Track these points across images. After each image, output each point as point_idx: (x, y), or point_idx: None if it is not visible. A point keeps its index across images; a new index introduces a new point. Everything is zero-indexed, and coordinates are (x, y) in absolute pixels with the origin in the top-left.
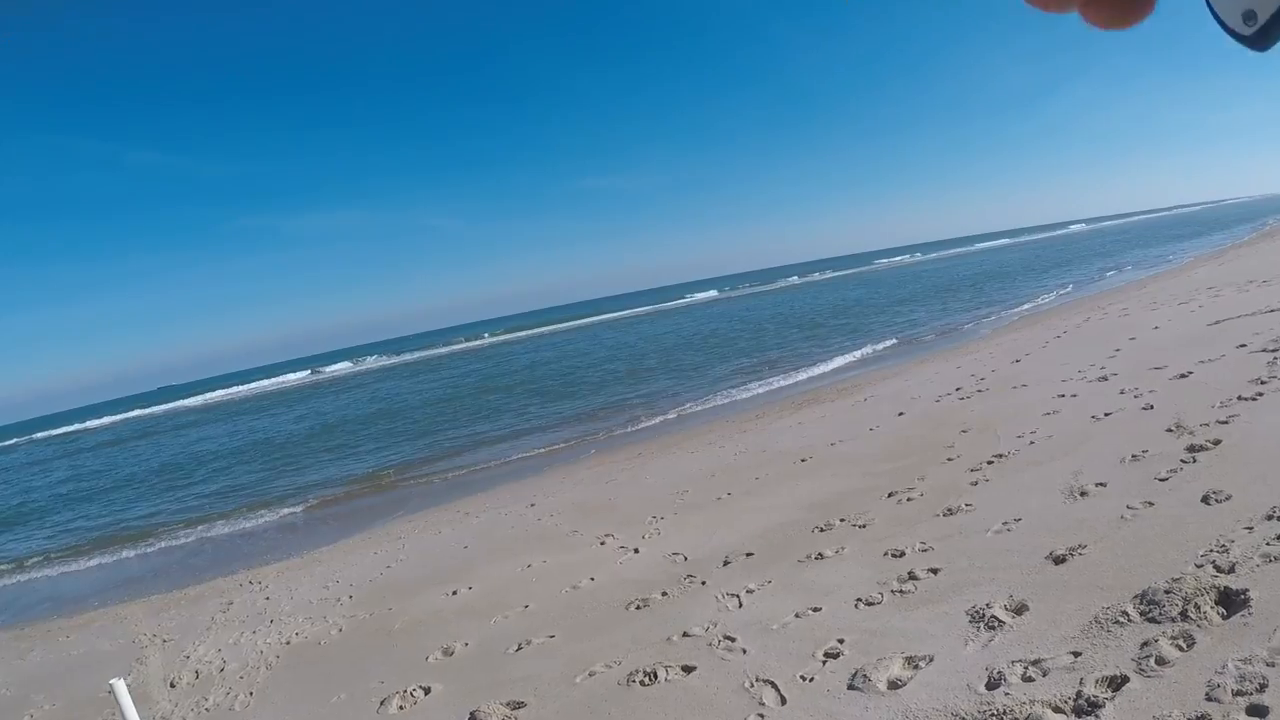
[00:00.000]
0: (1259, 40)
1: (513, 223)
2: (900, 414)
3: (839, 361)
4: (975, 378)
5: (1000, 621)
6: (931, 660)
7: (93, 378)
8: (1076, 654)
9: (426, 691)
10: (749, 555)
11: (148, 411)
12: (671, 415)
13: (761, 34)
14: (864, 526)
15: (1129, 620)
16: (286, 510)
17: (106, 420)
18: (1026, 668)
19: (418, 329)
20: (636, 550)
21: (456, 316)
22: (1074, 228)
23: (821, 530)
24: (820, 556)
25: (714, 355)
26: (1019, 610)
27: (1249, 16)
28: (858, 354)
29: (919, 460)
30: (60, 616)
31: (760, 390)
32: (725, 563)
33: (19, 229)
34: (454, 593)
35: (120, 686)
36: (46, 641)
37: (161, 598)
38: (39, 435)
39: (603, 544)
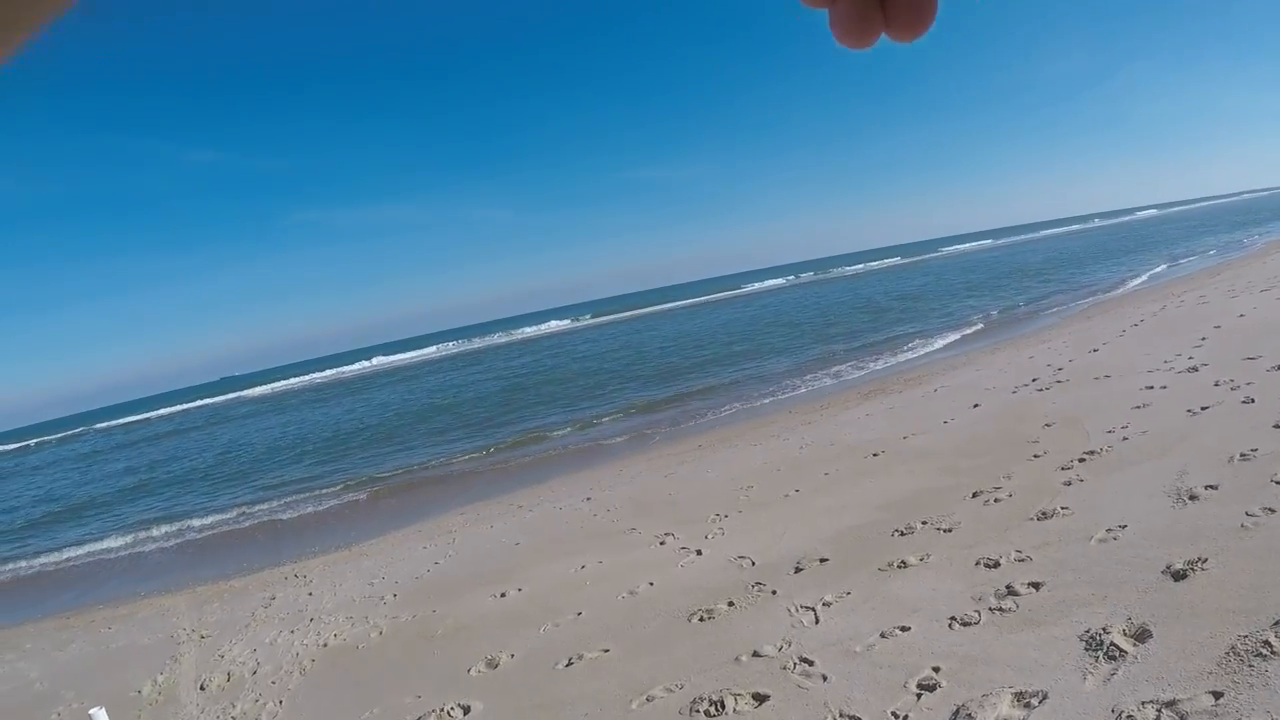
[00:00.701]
0: None
1: (562, 213)
2: (975, 406)
3: (905, 351)
4: (1052, 368)
5: (1121, 650)
6: (1045, 698)
7: (156, 369)
8: (1217, 695)
9: (465, 711)
10: (823, 561)
11: (209, 401)
12: (732, 407)
13: (814, 17)
14: (949, 531)
15: (1273, 653)
16: (340, 499)
17: (166, 411)
18: (1160, 710)
19: (472, 320)
20: (699, 552)
21: (509, 308)
22: (1143, 214)
23: (902, 534)
24: (903, 565)
25: (773, 345)
26: (1140, 636)
27: None
28: (923, 342)
29: (1002, 457)
30: (107, 605)
31: (824, 380)
32: (797, 569)
33: (85, 224)
34: (502, 595)
35: (100, 715)
36: (88, 632)
37: (207, 589)
38: (100, 425)
39: (662, 543)
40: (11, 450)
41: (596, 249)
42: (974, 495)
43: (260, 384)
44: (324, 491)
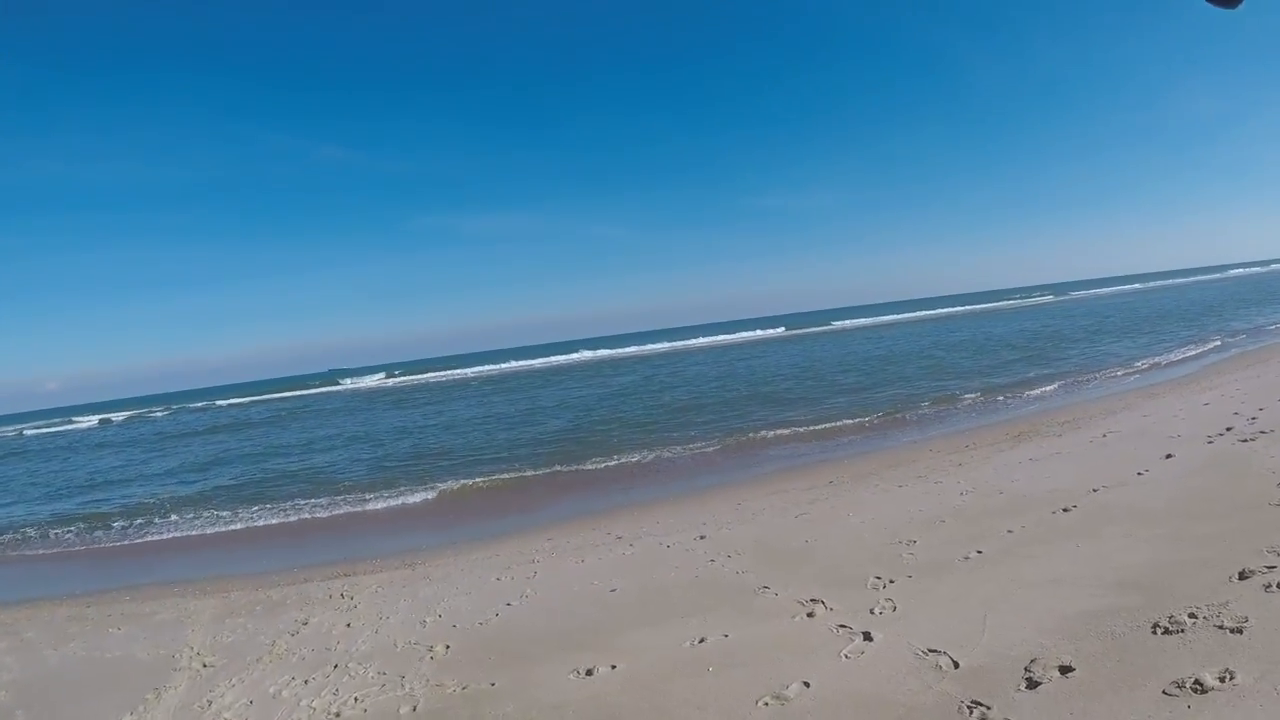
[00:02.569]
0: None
1: (678, 236)
2: (1169, 457)
3: (1041, 390)
4: (1242, 416)
5: None
6: None
7: (268, 356)
8: None
9: None
10: (1066, 671)
11: (312, 392)
12: (860, 438)
13: (941, 52)
14: (1237, 631)
15: None
16: (423, 497)
17: (270, 396)
18: None
19: (586, 334)
20: (867, 635)
21: (623, 325)
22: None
23: (1166, 631)
24: (1199, 687)
25: (890, 378)
26: None
27: None
28: (1064, 383)
29: (1247, 523)
30: (136, 593)
31: (960, 416)
32: (1030, 681)
33: (213, 209)
34: (588, 672)
35: None
36: (95, 630)
37: (242, 595)
38: (222, 402)
39: (811, 615)
40: (123, 420)
41: (714, 273)
42: (1241, 576)
43: (367, 376)
44: (407, 487)
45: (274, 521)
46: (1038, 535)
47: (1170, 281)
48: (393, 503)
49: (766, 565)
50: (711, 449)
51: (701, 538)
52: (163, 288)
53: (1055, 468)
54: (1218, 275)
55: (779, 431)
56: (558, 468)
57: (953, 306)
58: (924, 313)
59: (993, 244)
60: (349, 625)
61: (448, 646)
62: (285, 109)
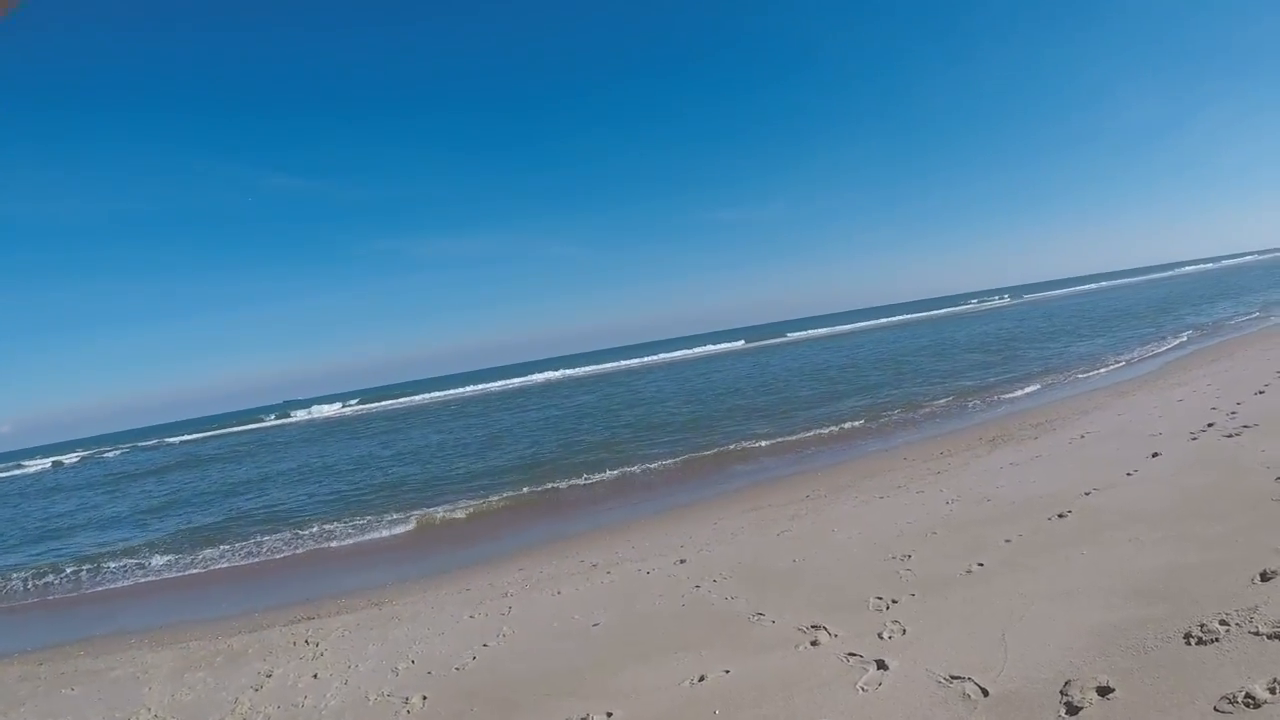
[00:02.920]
0: None
1: (635, 251)
2: (1155, 455)
3: (1008, 392)
4: (1221, 411)
5: None
6: None
7: (225, 386)
8: None
9: None
10: (1105, 693)
11: (266, 425)
12: (828, 450)
13: (888, 63)
14: (1277, 638)
15: None
16: (386, 531)
17: (224, 431)
18: None
19: (543, 355)
20: (881, 664)
21: (581, 344)
22: (1246, 259)
23: (1200, 641)
24: (1251, 701)
25: (853, 385)
26: None
27: None
28: (1024, 387)
29: (1254, 520)
30: (93, 648)
31: (928, 422)
32: (1069, 706)
33: (164, 240)
34: None
35: None
36: (47, 690)
37: (200, 646)
38: (172, 439)
39: (815, 643)
40: (76, 460)
41: (671, 288)
42: (1264, 577)
43: (323, 405)
44: (370, 519)
45: (232, 563)
46: (1038, 544)
47: (1121, 281)
48: (355, 538)
49: (756, 589)
50: (678, 466)
51: (682, 561)
52: (111, 324)
53: (1039, 472)
54: (1169, 273)
55: (746, 445)
56: (524, 490)
57: (908, 314)
58: (880, 320)
59: (946, 250)
60: (315, 676)
61: (424, 698)
62: (234, 139)
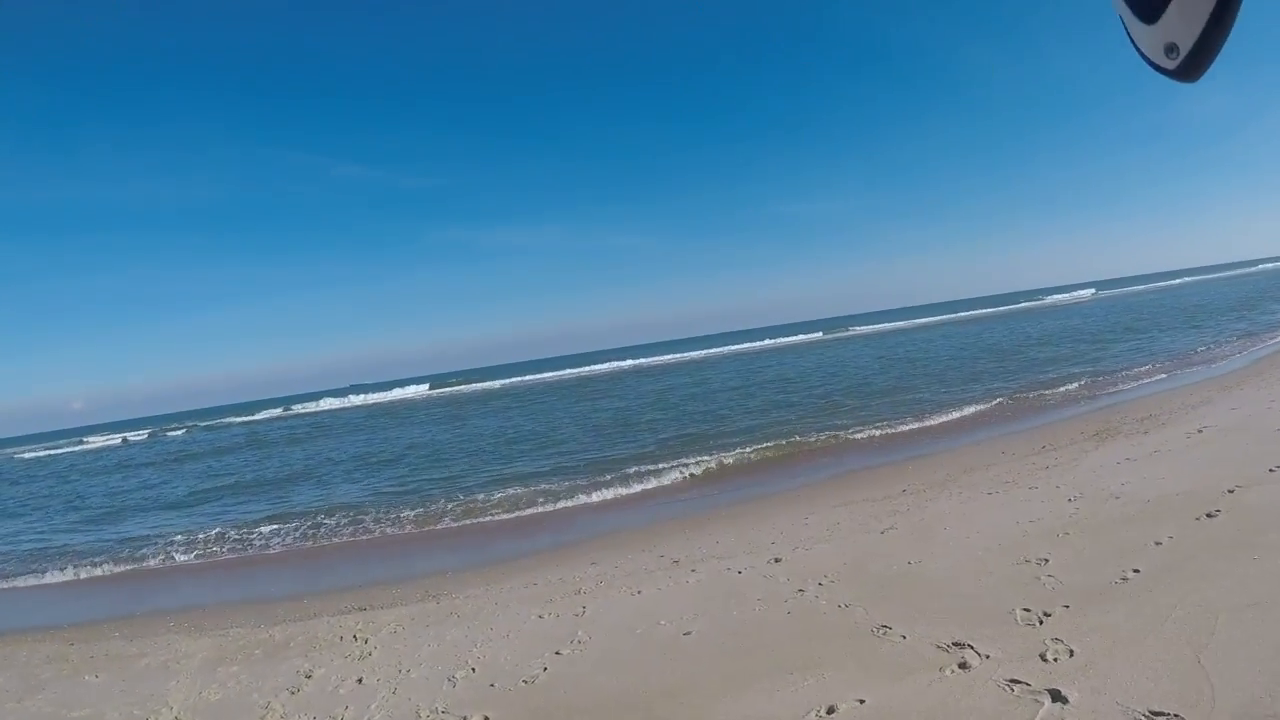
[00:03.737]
0: (1184, 73)
1: (703, 243)
2: None
3: (1109, 388)
4: None
5: None
6: None
7: (290, 371)
8: None
9: None
10: None
11: (328, 407)
12: (913, 443)
13: (955, 54)
14: None
15: None
16: (441, 518)
17: (280, 412)
18: None
19: (607, 344)
20: (1058, 696)
21: (647, 335)
22: None
23: None
24: None
25: (930, 379)
26: None
27: (1170, 50)
28: (1120, 380)
29: None
30: (128, 629)
31: (1020, 416)
32: None
33: (236, 228)
34: None
35: None
36: (72, 674)
37: (240, 634)
38: (236, 419)
39: (964, 666)
40: (144, 438)
41: (738, 281)
42: None
43: (386, 390)
44: (428, 504)
45: (287, 544)
46: (1196, 546)
47: (1198, 278)
48: (412, 526)
49: (873, 596)
50: (754, 456)
51: (776, 560)
52: (183, 306)
53: (1162, 467)
54: (1246, 270)
55: (826, 435)
56: (588, 479)
57: (983, 308)
58: (953, 315)
59: (1018, 245)
60: (360, 681)
61: (486, 718)
62: (305, 128)
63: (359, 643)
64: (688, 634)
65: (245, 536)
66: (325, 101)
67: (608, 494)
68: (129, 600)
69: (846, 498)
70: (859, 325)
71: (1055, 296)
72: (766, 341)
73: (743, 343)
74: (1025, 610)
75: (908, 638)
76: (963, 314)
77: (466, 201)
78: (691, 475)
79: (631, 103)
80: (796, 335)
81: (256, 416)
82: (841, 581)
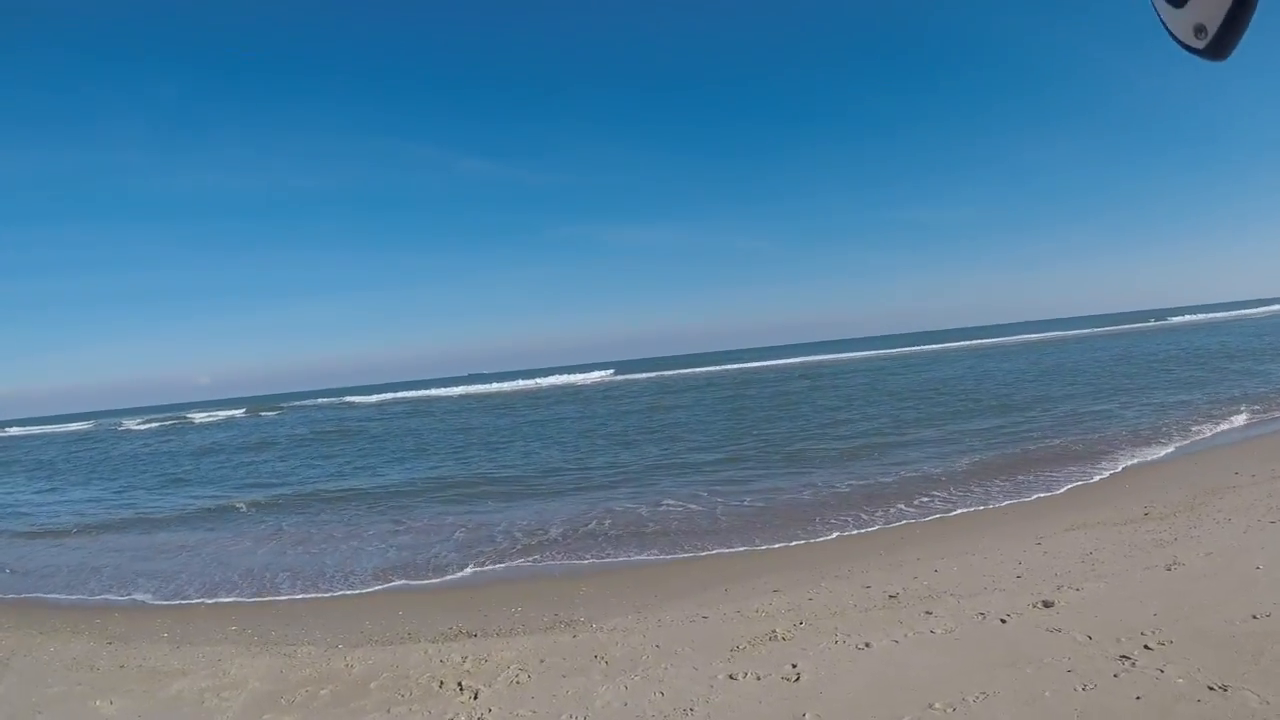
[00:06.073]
0: (1212, 52)
1: (821, 248)
2: None
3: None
4: None
5: None
6: None
7: (407, 359)
8: None
9: None
10: None
11: (463, 391)
12: (1108, 455)
13: (1083, 60)
14: None
15: None
16: (598, 523)
17: (406, 395)
18: None
19: (728, 346)
20: None
21: (760, 339)
22: None
23: None
24: None
25: (1094, 390)
26: None
27: (1199, 30)
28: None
29: None
30: (177, 634)
31: (1214, 436)
32: None
33: (363, 217)
34: None
35: None
36: (82, 697)
37: (308, 655)
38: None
39: None
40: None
41: (856, 285)
42: None
43: (502, 382)
44: (561, 498)
45: (387, 534)
46: None
47: None
48: (530, 521)
49: (1249, 672)
50: (936, 468)
51: (1046, 604)
52: (312, 291)
53: None
54: None
55: (1017, 449)
56: (749, 484)
57: (1128, 323)
58: (1100, 329)
59: (1140, 260)
60: None
61: None
62: (430, 122)
63: (464, 695)
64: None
65: (343, 518)
66: (452, 96)
67: (756, 495)
68: (190, 583)
69: (1075, 520)
70: (968, 339)
71: (1175, 318)
72: (905, 348)
73: (871, 349)
74: None
75: None
76: (1104, 328)
77: (588, 199)
78: (860, 486)
79: (753, 105)
80: (921, 345)
81: (375, 398)
82: (1178, 644)
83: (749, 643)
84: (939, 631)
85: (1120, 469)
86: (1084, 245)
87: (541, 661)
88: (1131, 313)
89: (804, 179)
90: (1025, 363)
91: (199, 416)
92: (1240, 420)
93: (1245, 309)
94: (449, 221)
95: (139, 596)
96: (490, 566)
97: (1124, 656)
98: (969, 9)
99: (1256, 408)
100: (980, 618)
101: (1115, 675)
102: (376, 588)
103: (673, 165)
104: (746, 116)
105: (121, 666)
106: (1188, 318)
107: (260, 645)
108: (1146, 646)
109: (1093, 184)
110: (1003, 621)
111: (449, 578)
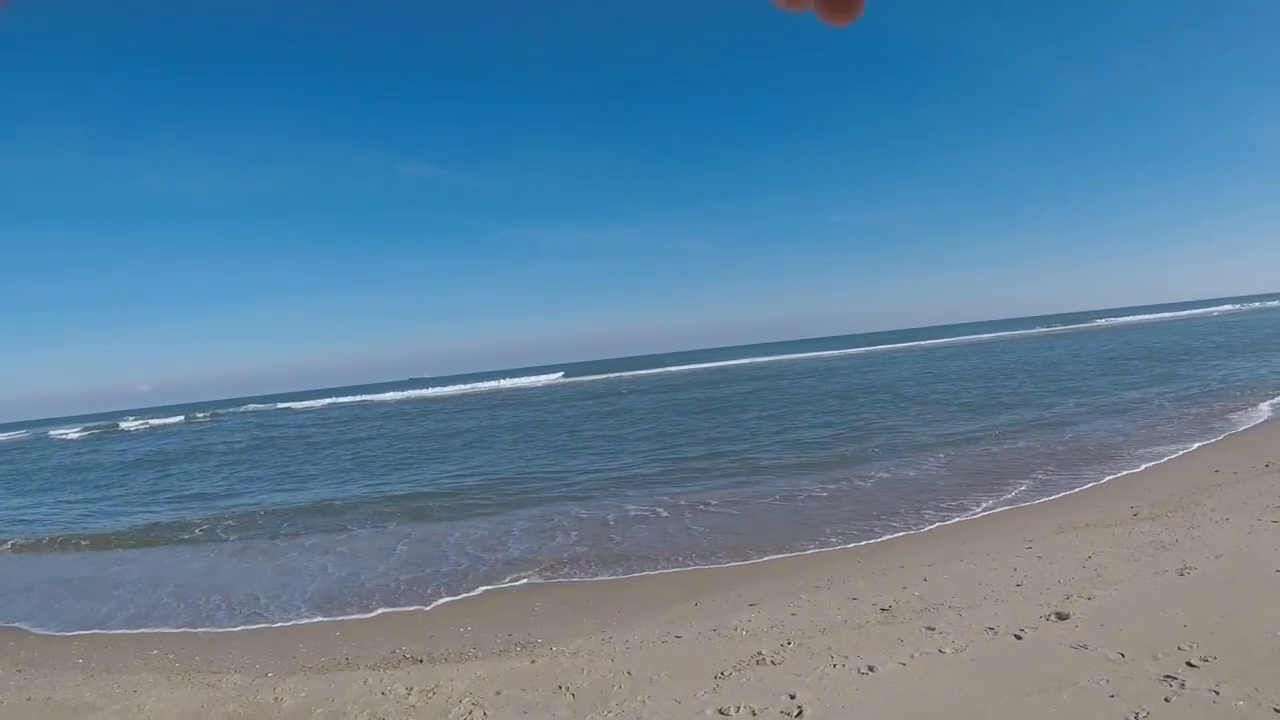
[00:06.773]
0: None
1: (760, 250)
2: None
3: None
4: None
5: None
6: None
7: (345, 362)
8: None
9: None
10: None
11: (405, 395)
12: (1076, 456)
13: (1016, 63)
14: None
15: None
16: (562, 537)
17: (343, 400)
18: None
19: (676, 348)
20: None
21: (709, 340)
22: None
23: None
24: None
25: (1014, 398)
26: None
27: None
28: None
29: None
30: (92, 660)
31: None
32: None
33: (300, 222)
34: None
35: None
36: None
37: (235, 686)
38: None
39: None
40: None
41: (794, 289)
42: None
43: (444, 386)
44: (491, 514)
45: (326, 547)
46: None
47: None
48: (479, 531)
49: None
50: (915, 469)
51: (1061, 616)
52: (251, 296)
53: None
54: None
55: (979, 447)
56: (721, 489)
57: (1069, 324)
58: (1051, 329)
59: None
60: None
61: None
62: (370, 125)
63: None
64: None
65: (273, 530)
66: (393, 100)
67: (723, 494)
68: (121, 605)
69: (1062, 521)
70: (905, 340)
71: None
72: (855, 349)
73: (815, 350)
74: None
75: None
76: (1058, 328)
77: (529, 204)
78: (839, 490)
79: (699, 113)
80: (869, 346)
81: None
82: (1223, 659)
83: (734, 668)
84: (948, 651)
85: (1096, 468)
86: (1029, 246)
87: (498, 694)
88: (1081, 313)
89: (744, 181)
90: (969, 363)
91: (133, 425)
92: (1206, 415)
93: (1195, 309)
94: (389, 224)
95: (53, 620)
96: (438, 584)
97: (1168, 676)
98: (914, 13)
99: (1220, 404)
100: (990, 633)
101: (1166, 700)
102: (312, 611)
103: (615, 167)
104: (687, 117)
105: (29, 699)
106: (1135, 318)
107: (182, 674)
108: (1190, 663)
109: (1038, 185)
110: (1017, 637)
111: (393, 594)
